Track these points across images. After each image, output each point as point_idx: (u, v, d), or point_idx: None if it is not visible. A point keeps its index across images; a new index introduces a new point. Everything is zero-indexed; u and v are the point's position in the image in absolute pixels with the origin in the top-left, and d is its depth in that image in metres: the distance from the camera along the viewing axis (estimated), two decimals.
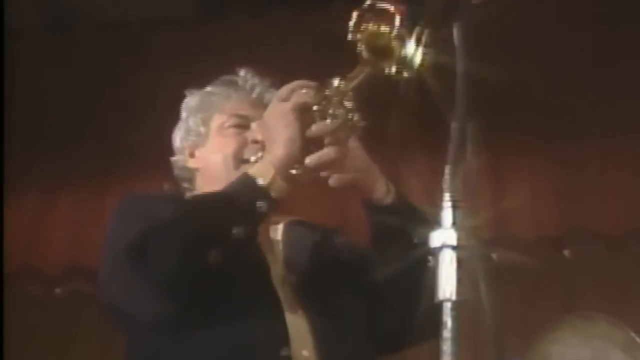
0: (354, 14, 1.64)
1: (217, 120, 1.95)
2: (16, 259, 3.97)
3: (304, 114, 1.72)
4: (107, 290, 1.76)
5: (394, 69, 1.65)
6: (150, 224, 1.66)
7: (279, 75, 1.94)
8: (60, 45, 4.35)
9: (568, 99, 3.85)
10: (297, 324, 1.73)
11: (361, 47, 1.65)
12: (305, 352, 1.71)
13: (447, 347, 1.16)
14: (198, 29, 4.29)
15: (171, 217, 1.69)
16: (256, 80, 1.97)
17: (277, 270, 1.81)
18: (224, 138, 1.92)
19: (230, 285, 1.67)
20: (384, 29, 1.64)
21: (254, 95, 1.95)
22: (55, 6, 4.36)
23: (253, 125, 1.89)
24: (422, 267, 1.23)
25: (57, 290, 4.24)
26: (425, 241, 1.22)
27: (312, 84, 1.75)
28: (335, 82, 1.71)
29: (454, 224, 1.20)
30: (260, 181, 1.69)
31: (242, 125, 1.92)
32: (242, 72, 1.98)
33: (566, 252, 3.89)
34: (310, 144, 1.73)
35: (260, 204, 1.68)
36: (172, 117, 2.02)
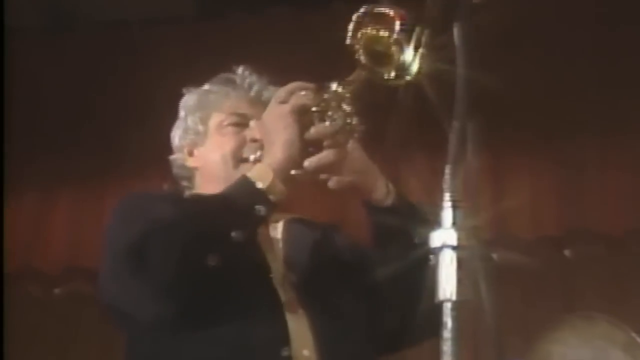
0: (354, 17, 1.63)
1: (215, 118, 1.94)
2: (16, 259, 3.97)
3: (302, 116, 1.71)
4: (107, 291, 1.76)
5: (392, 74, 1.64)
6: (149, 225, 1.66)
7: (278, 75, 1.93)
8: (59, 45, 4.35)
9: (568, 98, 3.85)
10: (297, 324, 1.73)
11: (360, 52, 1.65)
12: (305, 352, 1.71)
13: (447, 347, 1.16)
14: (198, 28, 4.29)
15: (170, 219, 1.69)
16: (254, 78, 1.96)
17: (277, 269, 1.80)
18: (222, 137, 1.92)
19: (230, 286, 1.67)
20: (383, 33, 1.64)
21: (252, 94, 1.95)
22: (55, 6, 4.36)
23: (252, 123, 1.89)
24: (423, 267, 1.23)
25: (57, 291, 4.23)
26: (425, 241, 1.22)
27: (310, 85, 1.74)
28: (334, 86, 1.71)
29: (454, 224, 1.20)
30: (259, 184, 1.68)
31: (241, 123, 1.91)
32: (239, 70, 1.97)
33: (566, 252, 3.89)
34: (309, 146, 1.72)
35: (258, 207, 1.67)
36: (172, 117, 2.01)
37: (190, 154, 1.96)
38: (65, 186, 4.24)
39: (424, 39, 1.61)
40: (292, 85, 1.76)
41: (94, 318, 3.76)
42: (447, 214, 1.21)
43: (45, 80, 4.27)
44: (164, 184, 2.02)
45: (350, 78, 1.70)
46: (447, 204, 1.21)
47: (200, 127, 1.95)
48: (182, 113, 1.99)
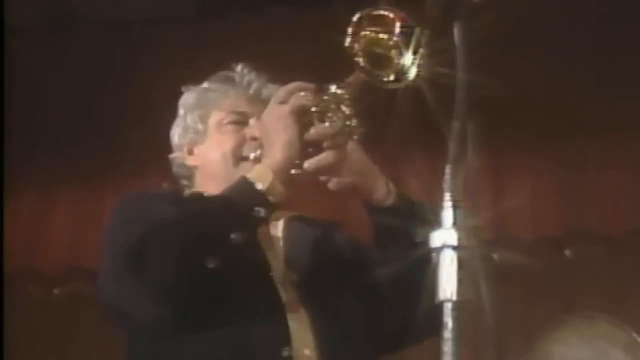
0: (353, 19, 1.63)
1: (215, 117, 1.94)
2: (15, 259, 3.97)
3: (302, 117, 1.71)
4: (107, 291, 1.76)
5: (392, 77, 1.64)
6: (148, 226, 1.66)
7: (278, 75, 1.93)
8: (59, 44, 4.35)
9: (568, 99, 3.84)
10: (298, 323, 1.72)
11: (358, 55, 1.65)
12: (307, 352, 1.70)
13: (447, 347, 1.15)
14: (197, 28, 4.29)
15: (170, 220, 1.69)
16: (253, 75, 1.96)
17: (278, 268, 1.80)
18: (222, 135, 1.91)
19: (230, 286, 1.66)
20: (383, 35, 1.63)
21: (251, 91, 1.94)
22: (55, 5, 4.36)
23: (251, 121, 1.88)
24: (424, 266, 1.23)
25: (56, 291, 4.23)
26: (426, 241, 1.21)
27: (310, 86, 1.74)
28: (333, 88, 1.70)
29: (454, 224, 1.20)
30: (259, 186, 1.68)
31: (240, 121, 1.91)
32: (238, 68, 1.97)
33: (567, 253, 3.88)
34: (309, 146, 1.72)
35: (258, 209, 1.67)
36: (172, 117, 2.01)
37: (190, 152, 1.96)
38: (65, 186, 4.24)
39: (423, 41, 1.60)
40: (291, 86, 1.75)
41: (94, 318, 3.75)
42: (447, 214, 1.21)
43: (45, 80, 4.26)
44: (163, 183, 2.02)
45: (349, 80, 1.69)
46: (447, 204, 1.21)
47: (200, 126, 1.94)
48: (181, 111, 1.99)
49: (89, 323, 3.99)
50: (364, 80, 1.67)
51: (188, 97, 1.99)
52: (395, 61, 1.62)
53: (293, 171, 1.72)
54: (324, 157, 1.72)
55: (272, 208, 1.70)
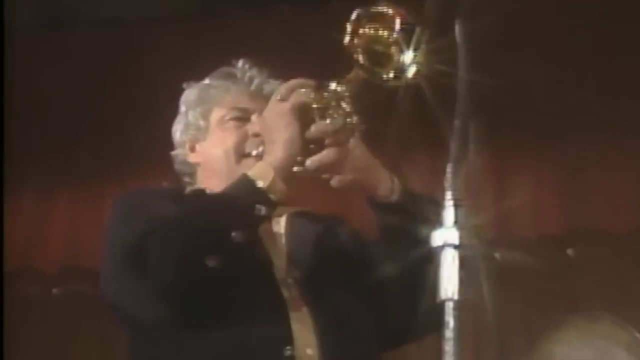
0: (352, 16, 1.62)
1: (216, 113, 1.93)
2: (15, 258, 3.97)
3: (303, 114, 1.70)
4: (108, 291, 1.76)
5: (391, 74, 1.63)
6: (148, 225, 1.65)
7: (278, 73, 1.92)
8: (59, 43, 4.34)
9: (570, 97, 3.84)
10: (301, 322, 1.71)
11: (358, 52, 1.64)
12: (309, 351, 1.69)
13: (449, 347, 1.15)
14: (198, 26, 4.29)
15: (169, 219, 1.68)
16: (254, 71, 1.95)
17: (280, 265, 1.79)
18: (224, 132, 1.90)
19: (232, 285, 1.65)
20: (382, 32, 1.63)
21: (252, 87, 1.93)
22: (55, 4, 4.36)
23: (253, 117, 1.87)
24: (426, 265, 1.22)
25: (55, 290, 4.23)
26: (428, 240, 1.21)
27: (311, 83, 1.73)
28: (333, 85, 1.70)
29: (456, 222, 1.19)
30: (260, 183, 1.67)
31: (242, 118, 1.90)
32: (239, 64, 1.96)
33: (569, 252, 3.88)
34: (311, 144, 1.71)
35: (259, 207, 1.66)
36: (172, 116, 2.01)
37: (192, 149, 1.95)
38: (65, 186, 4.24)
39: (423, 39, 1.60)
40: (292, 83, 1.75)
41: (93, 318, 3.76)
42: (449, 213, 1.20)
43: (45, 79, 4.26)
44: (163, 182, 2.01)
45: (349, 77, 1.69)
46: (449, 203, 1.20)
47: (202, 123, 1.94)
48: (182, 108, 1.98)
49: (87, 323, 4.00)
50: (364, 78, 1.67)
51: (189, 94, 1.99)
52: (395, 58, 1.62)
53: (295, 169, 1.71)
54: (326, 155, 1.71)
55: (273, 206, 1.69)
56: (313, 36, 3.31)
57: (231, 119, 1.91)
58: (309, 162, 1.70)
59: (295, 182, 1.72)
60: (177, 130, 1.98)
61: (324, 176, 1.75)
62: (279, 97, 1.73)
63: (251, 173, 1.70)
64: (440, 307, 1.17)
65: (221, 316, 1.68)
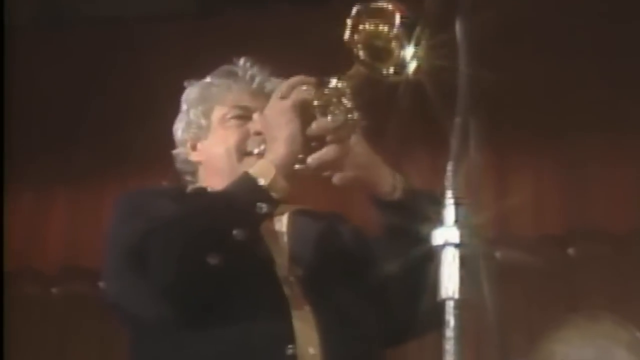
0: (352, 12, 1.62)
1: (218, 112, 1.92)
2: (14, 258, 3.97)
3: (304, 111, 1.70)
4: (110, 290, 1.76)
5: (391, 70, 1.63)
6: (149, 224, 1.65)
7: (279, 71, 1.92)
8: (59, 42, 4.34)
9: (571, 96, 3.84)
10: (303, 321, 1.70)
11: (358, 47, 1.63)
12: (311, 350, 1.68)
13: (449, 346, 1.14)
14: (198, 24, 4.29)
15: (170, 218, 1.68)
16: (255, 69, 1.94)
17: (282, 264, 1.78)
18: (225, 130, 1.90)
19: (234, 284, 1.65)
20: (383, 27, 1.62)
21: (254, 86, 1.93)
22: (54, 3, 4.35)
23: (255, 116, 1.87)
24: (426, 264, 1.21)
25: (54, 290, 4.23)
26: (428, 238, 1.20)
27: (311, 80, 1.73)
28: (334, 81, 1.69)
29: (456, 221, 1.19)
30: (261, 181, 1.66)
31: (244, 116, 1.90)
32: (241, 62, 1.95)
33: (570, 251, 3.88)
34: (312, 141, 1.71)
35: (260, 205, 1.66)
36: (171, 116, 2.00)
37: (194, 148, 1.94)
38: (64, 185, 4.24)
39: (424, 34, 1.59)
40: (292, 80, 1.74)
41: (92, 318, 3.76)
42: (449, 212, 1.19)
43: (46, 78, 4.26)
44: (163, 181, 2.01)
45: (350, 73, 1.68)
46: (449, 202, 1.20)
47: (203, 121, 1.93)
48: (184, 106, 1.97)
49: (87, 322, 4.00)
50: (365, 74, 1.66)
51: (191, 92, 1.98)
52: (396, 53, 1.61)
53: (296, 166, 1.71)
54: (327, 152, 1.70)
55: (275, 204, 1.68)
56: (313, 34, 3.32)
57: (233, 118, 1.90)
58: (310, 159, 1.70)
59: (297, 180, 1.71)
60: (179, 129, 1.97)
61: (326, 173, 1.74)
62: (279, 95, 1.72)
63: (252, 171, 1.69)
64: (440, 305, 1.16)
65: (223, 315, 1.67)
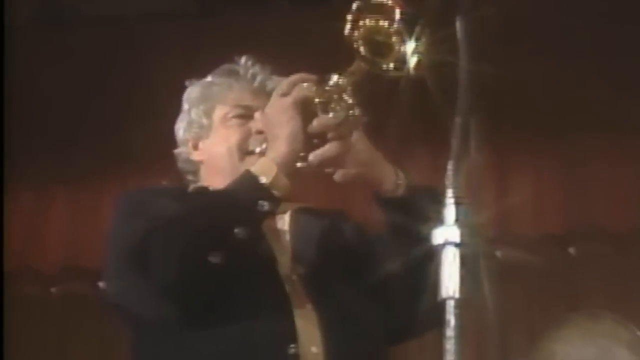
0: (353, 7, 1.62)
1: (219, 111, 1.92)
2: (14, 258, 3.97)
3: (305, 109, 1.70)
4: (112, 290, 1.76)
5: (392, 65, 1.63)
6: (150, 223, 1.65)
7: (280, 69, 1.92)
8: (59, 42, 4.34)
9: (572, 96, 3.83)
10: (305, 320, 1.70)
11: (359, 43, 1.63)
12: (314, 349, 1.68)
13: (450, 345, 1.14)
14: (198, 24, 4.28)
15: (172, 217, 1.67)
16: (257, 68, 1.94)
17: (284, 262, 1.78)
18: (227, 129, 1.89)
19: (236, 283, 1.65)
20: (383, 23, 1.62)
21: (255, 84, 1.92)
22: (55, 3, 4.35)
23: (256, 115, 1.86)
24: (427, 263, 1.21)
25: (54, 290, 4.23)
26: (428, 238, 1.20)
27: (312, 77, 1.72)
28: (334, 77, 1.69)
29: (457, 220, 1.18)
30: (263, 179, 1.66)
31: (245, 115, 1.89)
32: (242, 60, 1.95)
33: (571, 250, 3.87)
34: (313, 138, 1.71)
35: (262, 203, 1.65)
36: (171, 116, 2.00)
37: (195, 147, 1.94)
38: (64, 185, 4.24)
39: (425, 30, 1.59)
40: (293, 78, 1.74)
41: (92, 318, 3.76)
42: (449, 211, 1.19)
43: (46, 78, 4.26)
44: (163, 181, 2.01)
45: (351, 69, 1.68)
46: (449, 201, 1.20)
47: (205, 120, 1.93)
48: (185, 106, 1.97)
49: (87, 322, 4.00)
50: (366, 69, 1.66)
51: (192, 92, 1.98)
52: (396, 48, 1.61)
53: (298, 164, 1.70)
54: (328, 149, 1.70)
55: (277, 202, 1.68)
56: (313, 33, 3.31)
57: (234, 117, 1.90)
58: (311, 156, 1.69)
59: (299, 178, 1.71)
60: (180, 128, 1.97)
61: (327, 170, 1.74)
62: (280, 92, 1.72)
63: (254, 169, 1.69)
64: (441, 305, 1.16)
65: (225, 313, 1.67)
